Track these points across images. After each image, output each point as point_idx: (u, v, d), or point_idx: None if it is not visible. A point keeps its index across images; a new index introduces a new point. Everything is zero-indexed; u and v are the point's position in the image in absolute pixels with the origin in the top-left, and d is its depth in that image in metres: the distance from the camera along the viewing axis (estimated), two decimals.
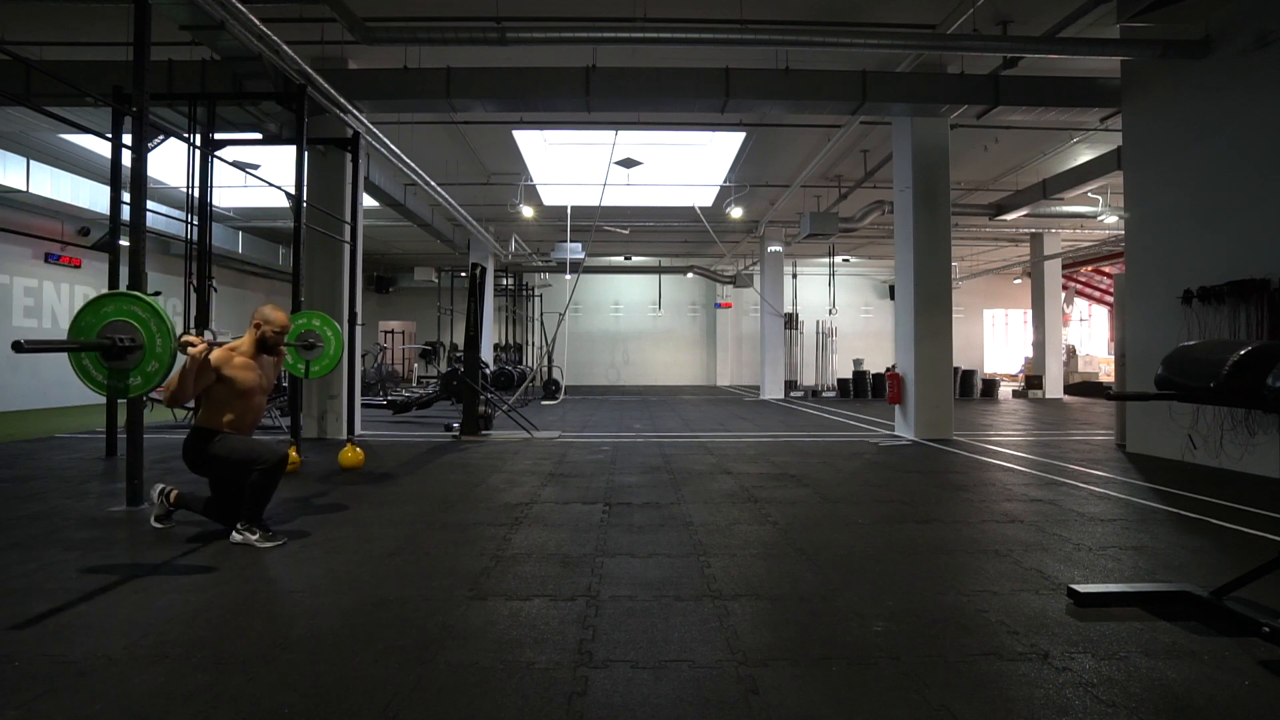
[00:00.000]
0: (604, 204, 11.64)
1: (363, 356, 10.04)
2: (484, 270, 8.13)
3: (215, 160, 6.89)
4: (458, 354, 15.87)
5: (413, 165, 8.56)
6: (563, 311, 11.93)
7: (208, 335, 6.48)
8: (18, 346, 2.58)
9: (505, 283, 19.29)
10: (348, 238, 7.39)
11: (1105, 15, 5.91)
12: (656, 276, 20.12)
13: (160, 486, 3.48)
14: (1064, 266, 17.58)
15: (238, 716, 1.66)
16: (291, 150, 6.52)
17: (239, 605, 2.39)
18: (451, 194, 10.95)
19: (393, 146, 7.92)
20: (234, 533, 3.20)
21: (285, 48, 5.63)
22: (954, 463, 5.80)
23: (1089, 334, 24.86)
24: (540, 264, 18.20)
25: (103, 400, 6.64)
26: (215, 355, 3.24)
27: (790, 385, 15.88)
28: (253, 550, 3.08)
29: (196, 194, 6.57)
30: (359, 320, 7.53)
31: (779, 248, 15.50)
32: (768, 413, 11.11)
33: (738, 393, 17.07)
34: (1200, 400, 2.23)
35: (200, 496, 3.43)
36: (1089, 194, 11.54)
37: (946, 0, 6.25)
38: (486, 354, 15.64)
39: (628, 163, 10.80)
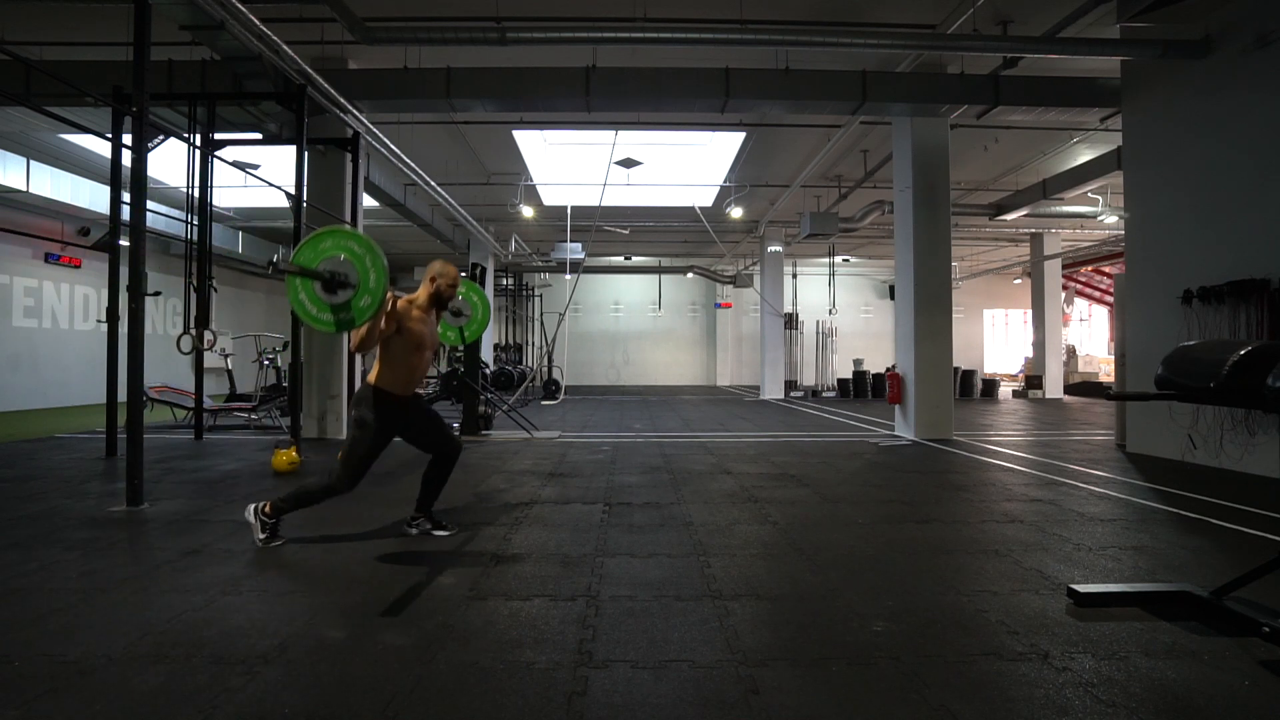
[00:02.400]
0: (604, 204, 11.64)
1: (363, 357, 10.03)
2: (484, 270, 8.13)
3: (215, 160, 6.91)
4: (457, 354, 15.88)
5: (413, 165, 8.56)
6: (563, 311, 11.93)
7: (208, 335, 6.49)
8: (274, 268, 2.80)
9: (505, 283, 19.30)
10: None
11: (1105, 15, 5.91)
12: (656, 276, 20.11)
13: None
14: (1064, 266, 17.58)
15: (238, 716, 1.66)
16: (291, 150, 6.52)
17: (239, 605, 2.39)
18: (451, 194, 10.95)
19: (393, 146, 7.92)
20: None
21: (285, 48, 5.63)
22: (954, 463, 5.80)
23: (1089, 334, 24.86)
24: (540, 264, 18.20)
25: (102, 400, 6.64)
26: (398, 305, 3.11)
27: (790, 385, 15.88)
28: (252, 551, 3.07)
29: (196, 194, 6.59)
30: None
31: (779, 248, 15.50)
32: (768, 413, 11.11)
33: (738, 393, 17.07)
34: (1200, 400, 2.23)
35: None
36: (1089, 194, 11.54)
37: (946, 0, 6.25)
38: (486, 354, 15.64)
39: (628, 163, 10.80)
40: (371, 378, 3.13)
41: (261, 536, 3.13)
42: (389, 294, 2.94)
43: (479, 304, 4.68)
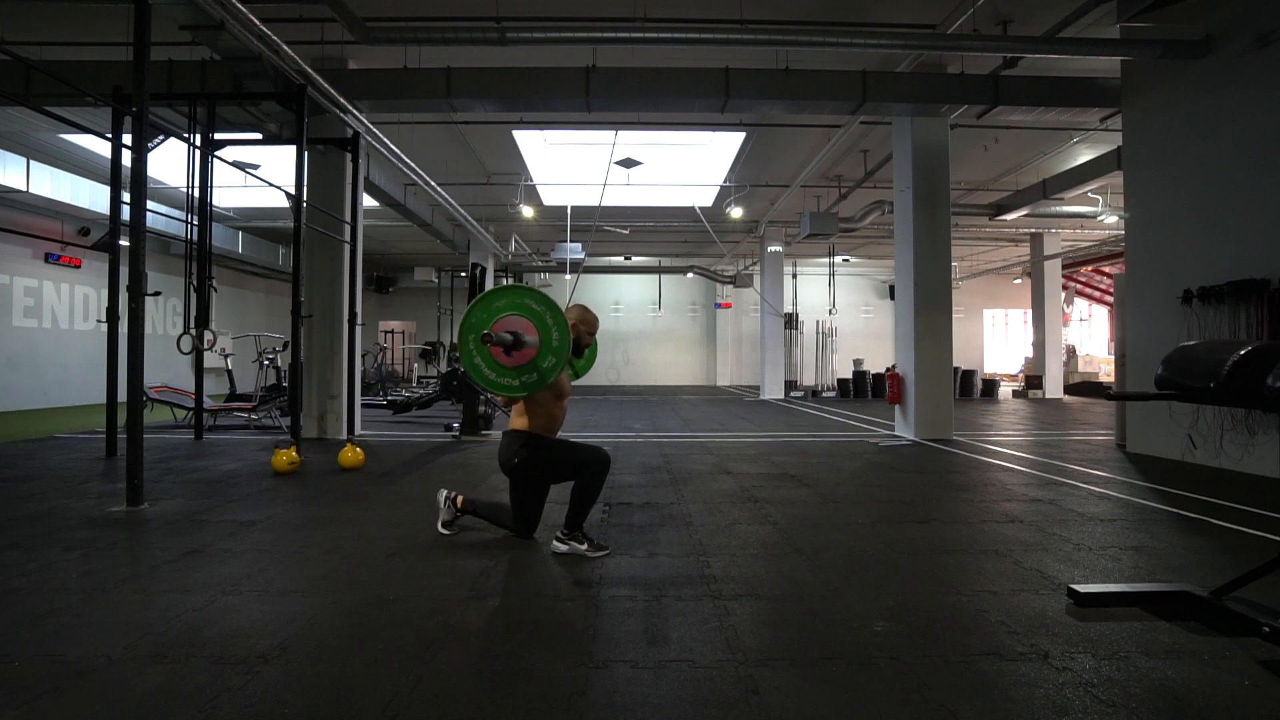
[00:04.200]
0: (604, 204, 11.64)
1: (363, 356, 10.04)
2: (484, 270, 8.13)
3: (215, 160, 6.92)
4: (457, 354, 15.86)
5: (413, 165, 8.56)
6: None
7: (208, 335, 6.49)
8: (486, 338, 2.70)
9: (505, 282, 19.26)
10: (348, 238, 7.39)
11: (1105, 15, 5.91)
12: (656, 276, 20.11)
13: (445, 492, 3.35)
14: (1064, 266, 17.57)
15: (238, 716, 1.66)
16: (291, 150, 6.52)
17: (239, 605, 2.39)
18: (451, 194, 10.95)
19: (393, 146, 7.92)
20: (556, 542, 3.07)
21: (285, 48, 5.63)
22: (954, 463, 5.80)
23: (1089, 334, 24.86)
24: (540, 264, 18.20)
25: (102, 400, 6.64)
26: None
27: (790, 385, 15.87)
28: (253, 551, 3.07)
29: (196, 194, 6.59)
30: (359, 320, 7.54)
31: (779, 248, 15.50)
32: (768, 413, 11.11)
33: (738, 393, 17.07)
34: (1200, 400, 2.23)
35: (488, 502, 3.34)
36: (1089, 194, 11.54)
37: (946, 0, 6.25)
38: None
39: (628, 163, 10.80)
40: (519, 425, 3.09)
41: (583, 547, 3.03)
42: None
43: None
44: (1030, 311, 16.40)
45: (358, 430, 7.48)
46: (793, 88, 6.97)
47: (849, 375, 16.35)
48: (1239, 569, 2.44)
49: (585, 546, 3.03)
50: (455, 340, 2.87)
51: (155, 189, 11.47)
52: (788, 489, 4.59)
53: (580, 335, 3.21)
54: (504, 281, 19.15)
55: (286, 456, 5.07)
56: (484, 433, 7.47)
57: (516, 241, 15.98)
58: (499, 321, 2.85)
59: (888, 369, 10.33)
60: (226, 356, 10.21)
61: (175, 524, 3.54)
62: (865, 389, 15.48)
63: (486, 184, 11.80)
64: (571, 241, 14.52)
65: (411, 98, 7.01)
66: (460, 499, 3.33)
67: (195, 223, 6.58)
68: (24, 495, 4.25)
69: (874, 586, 2.62)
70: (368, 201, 10.68)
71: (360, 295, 7.62)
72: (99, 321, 11.23)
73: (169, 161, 10.01)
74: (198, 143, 6.51)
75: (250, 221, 14.60)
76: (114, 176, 5.76)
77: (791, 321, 16.58)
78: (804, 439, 7.50)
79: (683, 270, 18.10)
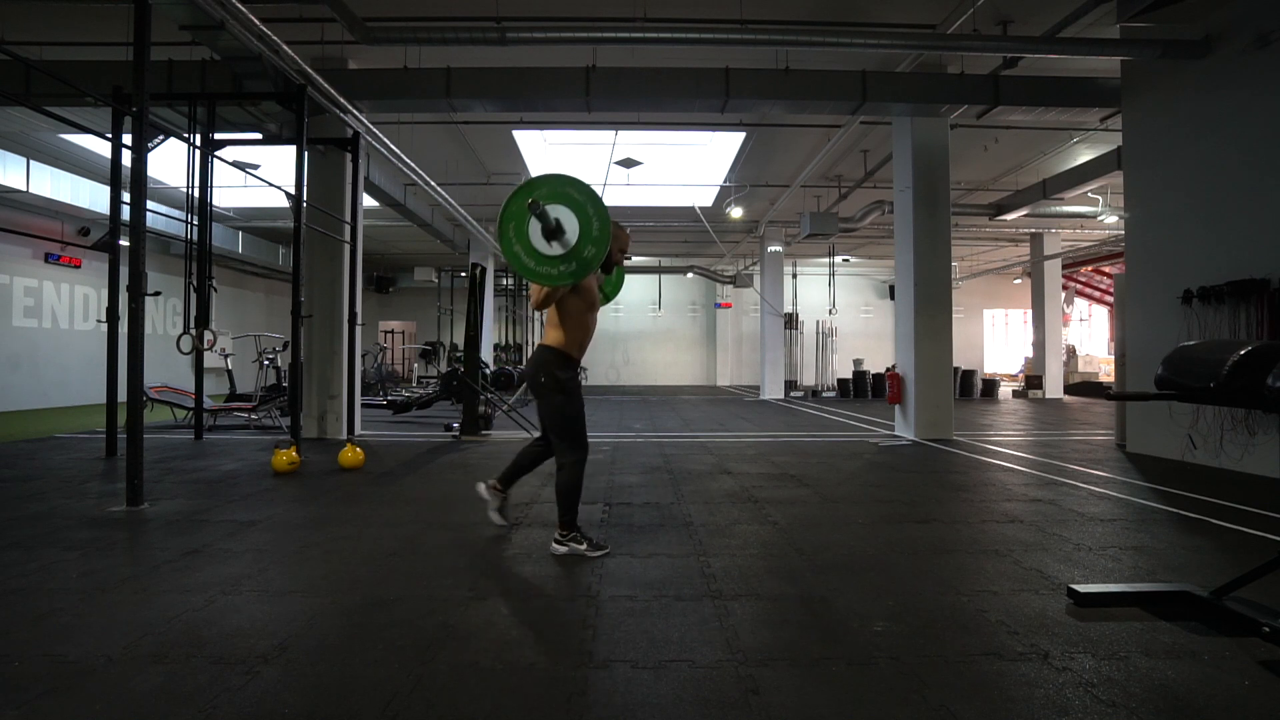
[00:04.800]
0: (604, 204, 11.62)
1: (363, 356, 10.04)
2: (484, 270, 8.13)
3: (215, 160, 6.92)
4: (458, 354, 15.87)
5: (413, 165, 8.56)
6: None
7: (208, 335, 6.49)
8: (534, 206, 2.65)
9: (505, 283, 19.28)
10: (348, 238, 7.39)
11: (1105, 15, 5.91)
12: (656, 276, 20.10)
13: (482, 485, 3.29)
14: (1064, 266, 17.57)
15: (238, 717, 1.66)
16: (291, 150, 6.52)
17: (239, 605, 2.39)
18: (451, 194, 10.95)
19: (393, 146, 7.92)
20: (555, 544, 3.04)
21: (285, 48, 5.62)
22: (954, 463, 5.80)
23: (1089, 334, 24.85)
24: None
25: (102, 400, 6.64)
26: None
27: (790, 385, 15.87)
28: (253, 551, 3.07)
29: (196, 194, 6.59)
30: (359, 320, 7.54)
31: (779, 248, 15.49)
32: (768, 413, 11.11)
33: (738, 393, 17.07)
34: (1200, 400, 2.23)
35: (512, 464, 3.32)
36: (1089, 194, 11.53)
37: (946, 0, 6.25)
38: (486, 354, 15.63)
39: (628, 163, 10.80)
40: (553, 340, 3.02)
41: (582, 547, 3.01)
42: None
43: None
44: (1030, 311, 16.40)
45: (358, 430, 7.48)
46: (793, 88, 6.97)
47: (849, 375, 16.34)
48: (1239, 569, 2.44)
49: (584, 546, 3.02)
50: (499, 238, 2.80)
51: (155, 189, 11.47)
52: (788, 489, 4.59)
53: (611, 251, 3.07)
54: (504, 283, 19.18)
55: (286, 456, 5.07)
56: (484, 433, 7.47)
57: None
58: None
59: (888, 369, 10.33)
60: (226, 356, 10.21)
61: (175, 524, 3.54)
62: (865, 389, 15.48)
63: (486, 184, 11.80)
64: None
65: (411, 98, 7.01)
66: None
67: (195, 223, 6.58)
68: (24, 495, 4.25)
69: (874, 586, 2.62)
70: (368, 201, 10.68)
71: (360, 295, 7.62)
72: (99, 321, 11.21)
73: (169, 161, 10.01)
74: (198, 143, 6.51)
75: (250, 221, 14.60)
76: (114, 176, 5.76)
77: (791, 321, 16.58)
78: (804, 439, 7.50)
79: (683, 270, 18.10)
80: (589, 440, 3.13)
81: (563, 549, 3.03)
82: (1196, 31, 5.81)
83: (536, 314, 3.57)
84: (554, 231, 2.74)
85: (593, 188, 2.81)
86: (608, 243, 2.77)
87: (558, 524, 3.09)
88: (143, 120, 3.98)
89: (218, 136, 6.97)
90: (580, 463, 3.05)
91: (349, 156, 7.35)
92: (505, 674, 1.89)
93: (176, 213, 7.74)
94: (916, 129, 7.61)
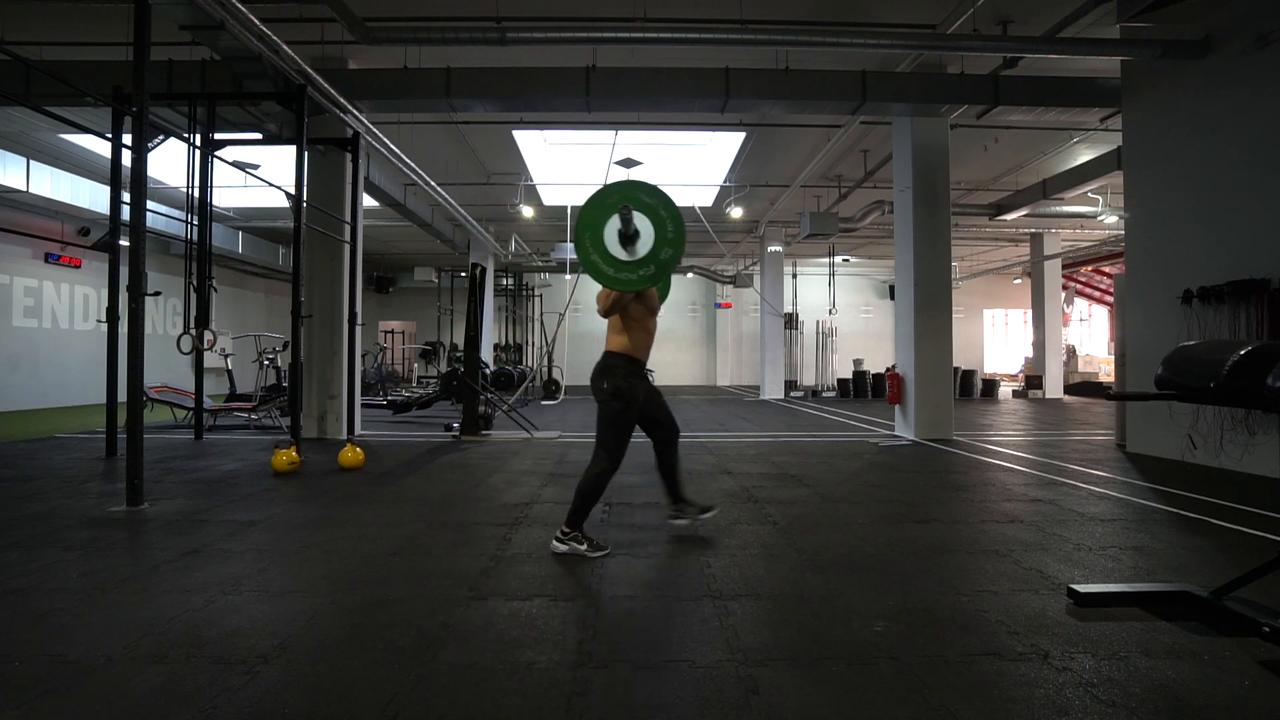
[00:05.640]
0: None
1: (363, 356, 10.03)
2: (484, 270, 8.13)
3: (215, 160, 6.92)
4: (458, 354, 15.87)
5: (413, 165, 8.56)
6: (563, 311, 11.93)
7: (208, 335, 6.49)
8: (624, 211, 2.71)
9: (505, 283, 19.28)
10: (348, 238, 7.39)
11: (1105, 15, 5.91)
12: None
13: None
14: (1064, 266, 17.56)
15: (238, 716, 1.66)
16: (291, 150, 6.52)
17: (239, 605, 2.39)
18: (451, 194, 10.95)
19: (393, 146, 7.92)
20: (555, 543, 2.99)
21: (285, 48, 5.63)
22: (954, 463, 5.80)
23: (1089, 334, 24.84)
24: (540, 264, 18.19)
25: (102, 400, 6.64)
26: None
27: (790, 385, 15.87)
28: (253, 551, 3.07)
29: (196, 194, 6.59)
30: (359, 320, 7.54)
31: (779, 248, 15.49)
32: (768, 413, 11.11)
33: (738, 393, 17.07)
34: (1200, 400, 2.23)
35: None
36: (1089, 194, 11.53)
37: (946, 0, 6.25)
38: (486, 354, 15.64)
39: (628, 163, 10.79)
40: (617, 345, 3.04)
41: (582, 548, 2.98)
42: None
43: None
44: (1030, 311, 16.39)
45: (358, 430, 7.48)
46: (793, 88, 6.97)
47: (849, 375, 16.34)
48: (1239, 569, 2.44)
49: (585, 547, 3.02)
50: (575, 248, 2.81)
51: (155, 189, 11.47)
52: (788, 489, 4.59)
53: None
54: (504, 283, 19.18)
55: (286, 456, 5.07)
56: (484, 433, 7.47)
57: (516, 241, 15.97)
58: (614, 217, 2.82)
59: (888, 369, 10.33)
60: (226, 356, 10.21)
61: (175, 524, 3.54)
62: (865, 389, 15.47)
63: (486, 184, 11.80)
64: (571, 241, 14.50)
65: (411, 98, 7.01)
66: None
67: (195, 223, 6.58)
68: (24, 495, 4.25)
69: (874, 586, 2.62)
70: (368, 201, 10.68)
71: (360, 295, 7.62)
72: (99, 321, 11.21)
73: (169, 161, 10.01)
74: (198, 143, 6.51)
75: (250, 221, 14.59)
76: (114, 176, 5.76)
77: (791, 321, 16.58)
78: (804, 439, 7.50)
79: (683, 270, 18.08)
80: (623, 457, 3.10)
81: (563, 548, 3.02)
82: (1196, 31, 5.81)
83: (600, 319, 3.56)
84: (631, 237, 2.78)
85: (663, 190, 2.84)
86: (683, 243, 2.82)
87: (564, 521, 3.07)
88: (143, 120, 3.98)
89: (218, 136, 6.97)
90: (608, 473, 3.04)
91: (349, 156, 7.35)
92: (505, 674, 1.89)
93: (176, 213, 7.73)
94: (916, 129, 7.61)
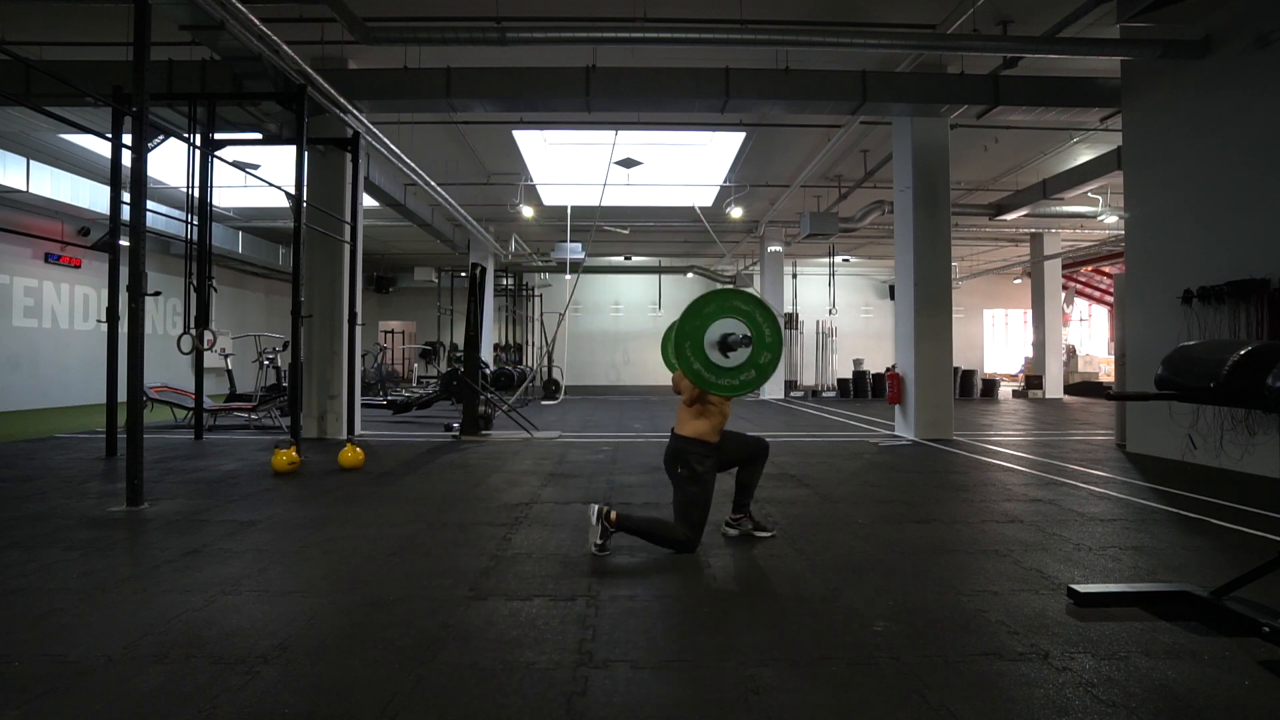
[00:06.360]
0: (604, 204, 11.63)
1: (363, 356, 10.04)
2: (484, 270, 8.13)
3: (215, 160, 6.91)
4: (458, 354, 15.87)
5: (413, 165, 8.56)
6: (563, 311, 11.93)
7: (208, 335, 6.49)
8: (730, 342, 2.87)
9: (505, 283, 19.28)
10: (348, 238, 7.39)
11: (1105, 15, 5.91)
12: (656, 276, 20.10)
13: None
14: (1064, 266, 17.56)
15: (238, 717, 1.66)
16: (291, 150, 6.52)
17: (239, 605, 2.39)
18: (451, 194, 10.95)
19: (393, 146, 7.92)
20: (594, 506, 3.06)
21: (285, 48, 5.63)
22: (954, 463, 5.80)
23: (1089, 334, 24.84)
24: (540, 264, 18.19)
25: (102, 400, 6.64)
26: None
27: (790, 385, 15.87)
28: (253, 551, 3.07)
29: (196, 194, 6.59)
30: (359, 320, 7.54)
31: (779, 248, 15.49)
32: (768, 413, 11.11)
33: None
34: (1200, 400, 2.23)
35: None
36: (1089, 194, 11.53)
37: (946, 0, 6.25)
38: (486, 354, 15.64)
39: (628, 163, 10.79)
40: (692, 431, 3.13)
41: (598, 543, 2.99)
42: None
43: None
44: (1030, 311, 16.39)
45: (358, 430, 7.48)
46: (793, 88, 6.97)
47: (849, 375, 16.34)
48: (1239, 569, 2.44)
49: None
50: (673, 350, 2.96)
51: (155, 189, 11.47)
52: (788, 489, 4.59)
53: None
54: (504, 283, 19.18)
55: (286, 456, 5.07)
56: (484, 433, 7.46)
57: (516, 241, 15.97)
58: (713, 326, 2.94)
59: (888, 369, 10.33)
60: (226, 356, 10.21)
61: (175, 524, 3.54)
62: (865, 389, 15.48)
63: (486, 184, 11.80)
64: (571, 241, 14.51)
65: (411, 98, 7.01)
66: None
67: (195, 223, 6.58)
68: (24, 495, 4.25)
69: (874, 586, 2.62)
70: (368, 201, 10.68)
71: (360, 295, 7.62)
72: (99, 321, 11.22)
73: (169, 161, 10.01)
74: (198, 143, 6.51)
75: (250, 221, 14.59)
76: (114, 176, 5.76)
77: (791, 321, 16.58)
78: (804, 439, 7.50)
79: (683, 270, 18.10)
80: (703, 532, 3.13)
81: (594, 521, 3.01)
82: (1196, 31, 5.81)
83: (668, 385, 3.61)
84: (731, 346, 2.91)
85: (754, 295, 2.99)
86: (780, 347, 2.94)
87: (618, 513, 3.05)
88: (143, 120, 3.98)
89: (218, 136, 6.97)
90: (686, 544, 3.05)
91: (349, 156, 7.35)
92: (505, 674, 1.89)
93: (176, 213, 7.73)
94: (916, 129, 7.61)
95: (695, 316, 2.92)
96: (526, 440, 7.24)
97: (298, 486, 4.60)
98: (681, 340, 2.92)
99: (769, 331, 2.94)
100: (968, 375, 15.45)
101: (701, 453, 3.11)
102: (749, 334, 2.90)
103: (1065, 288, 20.54)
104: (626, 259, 20.14)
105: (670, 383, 3.39)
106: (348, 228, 7.37)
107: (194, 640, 2.09)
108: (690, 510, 3.06)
